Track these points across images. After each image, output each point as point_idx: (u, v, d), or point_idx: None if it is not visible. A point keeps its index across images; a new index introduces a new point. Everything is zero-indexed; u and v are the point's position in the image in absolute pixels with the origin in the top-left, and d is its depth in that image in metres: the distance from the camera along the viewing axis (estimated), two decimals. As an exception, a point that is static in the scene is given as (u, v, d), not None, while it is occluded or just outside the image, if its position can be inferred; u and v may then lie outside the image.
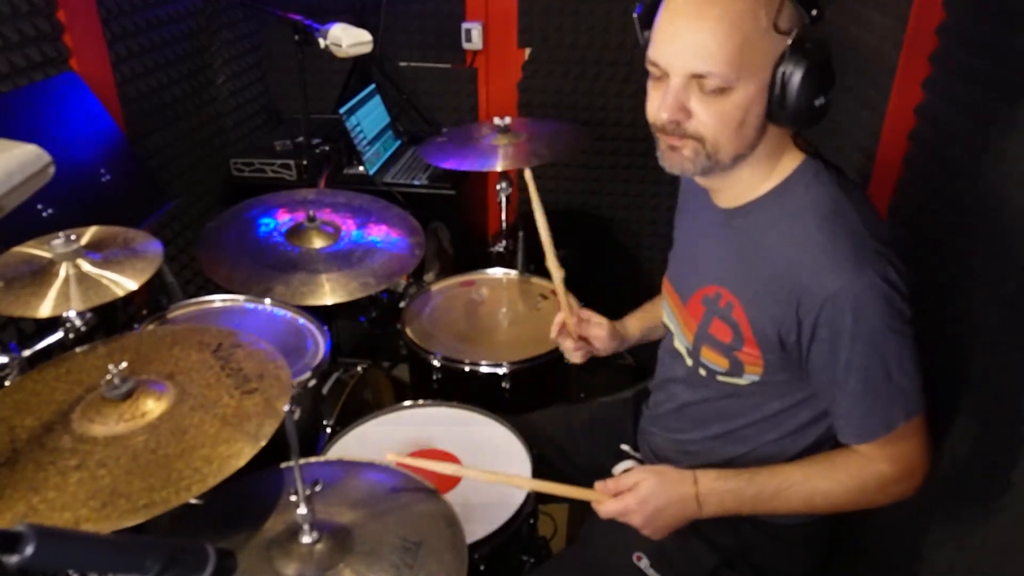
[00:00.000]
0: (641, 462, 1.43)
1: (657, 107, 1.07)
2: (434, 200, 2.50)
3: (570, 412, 1.65)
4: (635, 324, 1.51)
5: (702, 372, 1.24)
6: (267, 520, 1.14)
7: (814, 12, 1.02)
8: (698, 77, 1.02)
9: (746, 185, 1.14)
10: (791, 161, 1.13)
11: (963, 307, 1.28)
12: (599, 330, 1.43)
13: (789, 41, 1.00)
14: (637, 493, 1.15)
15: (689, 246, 1.32)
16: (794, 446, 1.21)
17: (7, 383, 1.23)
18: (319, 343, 1.69)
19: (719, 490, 1.15)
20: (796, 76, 1.00)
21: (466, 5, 2.71)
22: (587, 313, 1.45)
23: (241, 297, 1.75)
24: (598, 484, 1.19)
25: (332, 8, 2.64)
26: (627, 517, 1.16)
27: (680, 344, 1.30)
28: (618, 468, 1.41)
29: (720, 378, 1.21)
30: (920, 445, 1.12)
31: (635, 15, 1.14)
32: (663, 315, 1.38)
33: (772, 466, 1.17)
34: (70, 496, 0.95)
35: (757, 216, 1.15)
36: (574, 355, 1.45)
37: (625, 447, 1.47)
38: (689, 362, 1.27)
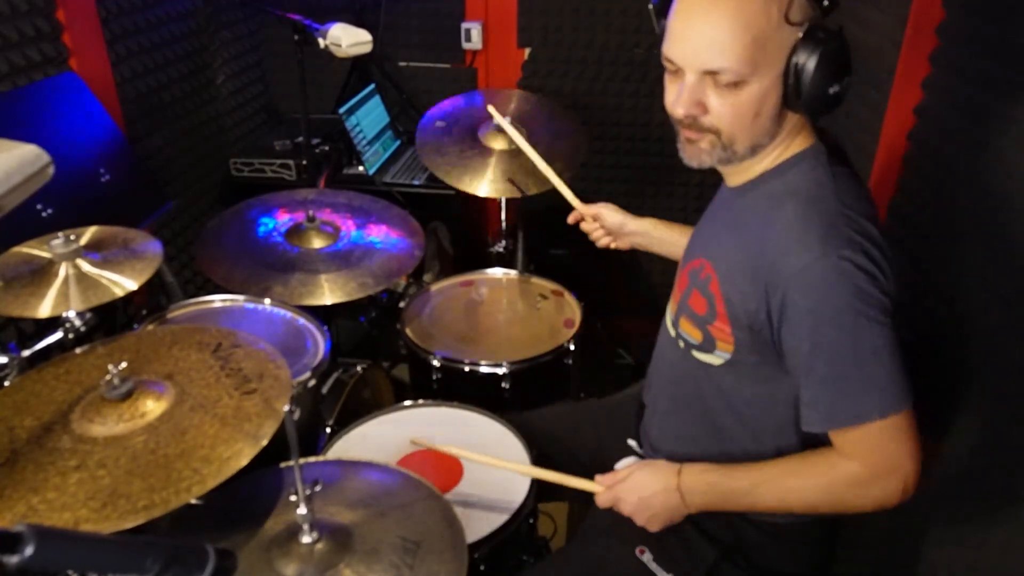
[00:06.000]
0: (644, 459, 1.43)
1: (673, 102, 1.09)
2: (434, 200, 2.50)
3: (571, 411, 1.66)
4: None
5: (680, 344, 1.26)
6: (267, 520, 1.14)
7: (826, 2, 1.03)
8: (712, 73, 1.04)
9: (753, 167, 1.16)
10: (798, 146, 1.14)
11: (963, 307, 1.28)
12: (604, 209, 1.58)
13: (800, 33, 1.02)
14: (627, 483, 1.22)
15: (701, 224, 1.35)
16: (775, 446, 1.20)
17: (7, 383, 1.23)
18: (319, 343, 1.68)
19: (700, 483, 1.17)
20: (809, 66, 1.01)
21: (466, 5, 2.70)
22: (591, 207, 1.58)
23: (240, 297, 1.75)
24: (598, 477, 1.26)
25: (332, 8, 2.64)
26: (619, 506, 1.22)
27: (668, 315, 1.34)
28: (620, 464, 1.41)
29: (694, 353, 1.22)
30: (902, 446, 1.06)
31: (651, 5, 1.17)
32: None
33: (749, 463, 1.17)
34: (70, 497, 0.95)
35: (751, 196, 1.17)
36: (600, 239, 1.63)
37: (631, 443, 1.48)
38: (672, 332, 1.30)
